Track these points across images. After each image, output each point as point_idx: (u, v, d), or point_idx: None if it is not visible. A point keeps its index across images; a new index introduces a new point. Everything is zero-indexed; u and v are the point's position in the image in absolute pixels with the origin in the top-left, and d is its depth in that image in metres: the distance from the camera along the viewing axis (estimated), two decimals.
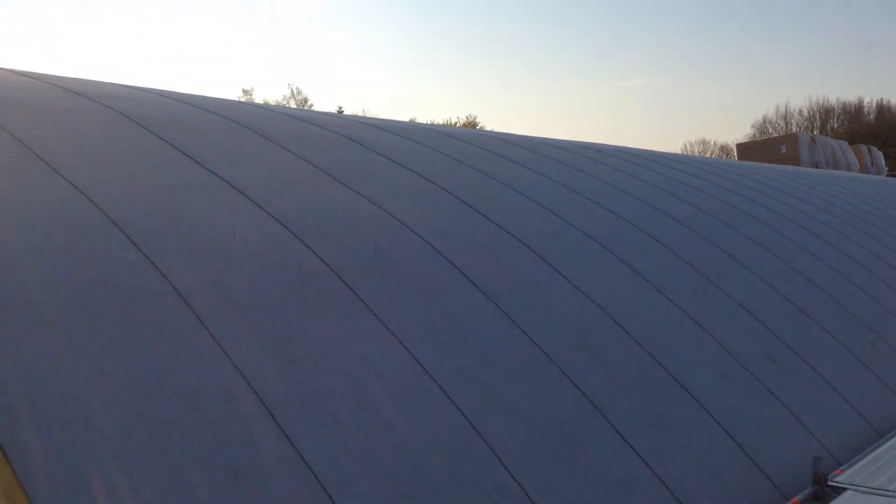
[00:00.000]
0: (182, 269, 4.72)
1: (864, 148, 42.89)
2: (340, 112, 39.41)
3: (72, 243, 4.56)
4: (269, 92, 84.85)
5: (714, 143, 75.30)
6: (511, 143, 11.10)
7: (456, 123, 60.69)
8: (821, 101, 76.01)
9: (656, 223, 8.73)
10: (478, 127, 57.13)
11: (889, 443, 6.29)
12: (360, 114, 46.12)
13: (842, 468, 5.74)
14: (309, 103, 64.29)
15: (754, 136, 71.57)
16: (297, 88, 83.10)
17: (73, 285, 4.24)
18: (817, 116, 73.84)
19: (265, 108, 11.06)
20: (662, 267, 7.61)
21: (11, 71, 7.67)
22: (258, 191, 6.12)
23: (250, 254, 5.31)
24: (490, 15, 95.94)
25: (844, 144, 41.11)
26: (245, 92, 64.44)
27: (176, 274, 4.65)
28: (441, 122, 58.74)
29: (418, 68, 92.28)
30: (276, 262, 5.34)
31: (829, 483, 5.40)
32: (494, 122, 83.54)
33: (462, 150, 9.50)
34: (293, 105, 58.49)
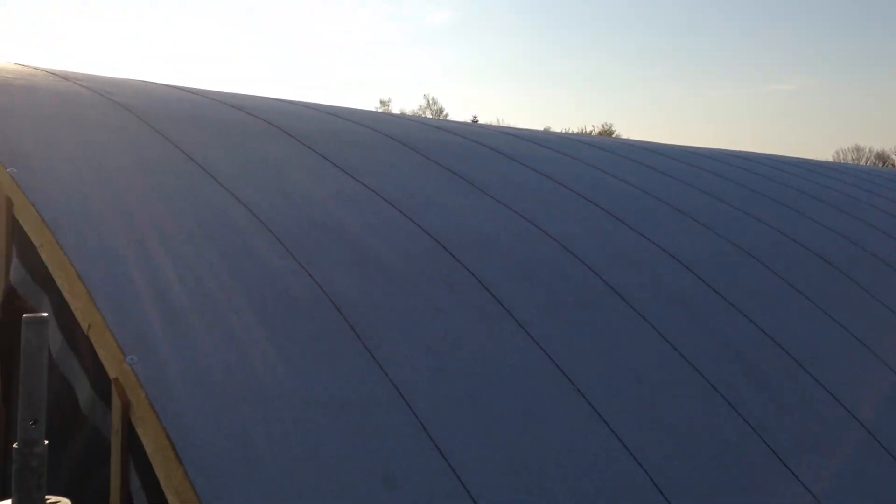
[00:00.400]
0: (335, 278, 4.81)
1: None
2: (475, 122, 39.70)
3: (233, 251, 4.73)
4: (406, 102, 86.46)
5: (869, 150, 70.80)
6: (656, 152, 10.81)
7: (591, 132, 59.94)
8: None
9: (816, 237, 8.26)
10: (614, 135, 56.21)
11: None
12: (494, 123, 46.32)
13: None
14: (444, 113, 65.15)
15: None
16: (433, 98, 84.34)
17: (234, 291, 4.39)
18: None
19: (406, 119, 11.23)
20: (824, 284, 7.18)
21: (177, 87, 8.10)
22: (405, 202, 6.19)
23: (399, 262, 5.36)
24: (624, 18, 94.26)
25: None
26: (382, 103, 66.03)
27: (328, 281, 4.74)
28: (575, 130, 58.15)
29: (549, 75, 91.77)
30: (424, 271, 5.37)
31: None
32: (632, 130, 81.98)
33: (607, 160, 9.31)
34: (429, 115, 59.42)
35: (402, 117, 9.51)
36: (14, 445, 2.46)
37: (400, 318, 4.82)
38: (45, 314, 2.39)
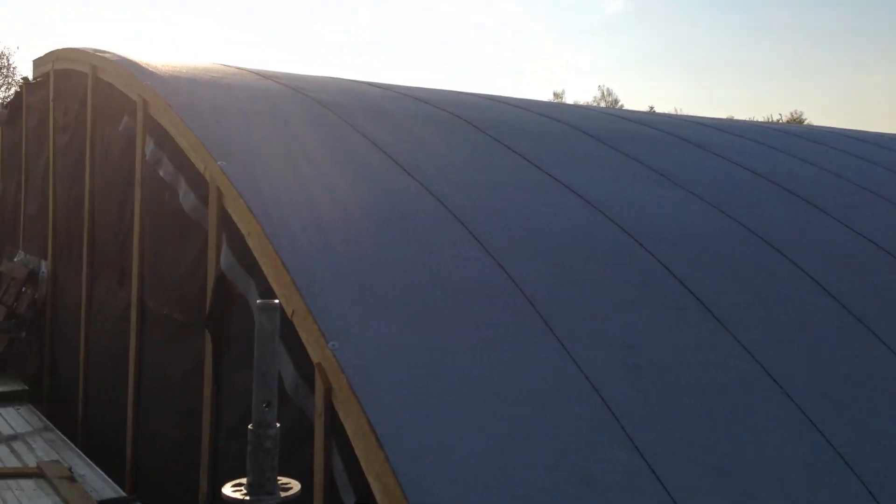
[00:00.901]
0: (525, 269, 4.76)
1: None
2: (651, 111, 38.51)
3: (424, 241, 4.78)
4: (580, 94, 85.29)
5: None
6: (857, 139, 10.03)
7: (778, 120, 56.79)
8: None
9: None
10: (804, 123, 52.98)
11: None
12: (673, 112, 44.74)
13: None
14: (619, 104, 63.81)
15: None
16: (608, 89, 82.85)
17: (429, 282, 4.43)
18: None
19: (589, 109, 11.02)
20: None
21: (362, 82, 8.32)
22: (591, 191, 6.05)
23: (589, 255, 5.24)
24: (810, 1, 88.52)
25: None
26: (556, 95, 65.57)
27: (520, 273, 4.70)
28: (761, 118, 55.27)
29: (729, 63, 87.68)
30: (615, 264, 5.22)
31: None
32: (823, 118, 76.90)
33: (805, 149, 8.73)
34: (603, 106, 58.39)
35: (583, 108, 9.33)
36: (249, 427, 2.55)
37: (593, 312, 4.71)
38: (277, 301, 2.46)
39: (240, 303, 4.75)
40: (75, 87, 7.87)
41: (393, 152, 5.83)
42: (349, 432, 3.63)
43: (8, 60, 45.36)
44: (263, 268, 4.41)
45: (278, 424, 2.63)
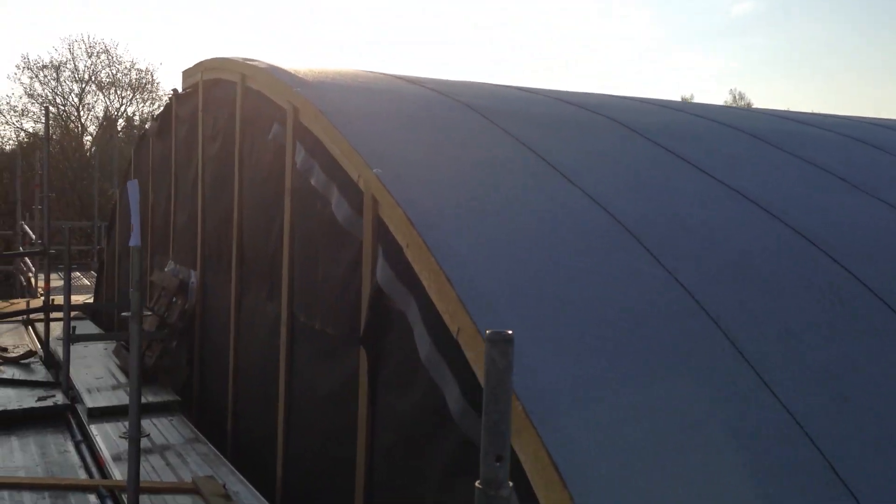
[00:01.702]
0: (706, 287, 4.28)
1: None
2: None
3: (596, 254, 4.39)
4: (709, 97, 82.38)
5: None
6: None
7: None
8: None
9: None
10: None
11: None
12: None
13: None
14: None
15: None
16: (740, 93, 79.64)
17: (603, 299, 4.03)
18: None
19: (747, 111, 10.32)
20: None
21: (519, 88, 8.00)
22: (768, 198, 5.48)
23: (777, 270, 4.71)
24: None
25: None
26: (684, 99, 63.51)
27: (701, 292, 4.23)
28: None
29: (867, 62, 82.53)
30: (807, 281, 4.66)
31: None
32: None
33: None
34: None
35: (740, 110, 8.66)
36: (476, 484, 2.16)
37: (785, 333, 4.18)
38: (510, 332, 2.11)
39: (398, 320, 4.48)
40: (224, 96, 7.91)
41: (550, 158, 5.46)
42: (525, 465, 3.28)
43: (152, 76, 47.88)
44: (424, 282, 4.12)
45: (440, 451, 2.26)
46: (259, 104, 6.90)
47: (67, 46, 46.41)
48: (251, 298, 7.05)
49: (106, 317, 14.31)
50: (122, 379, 8.90)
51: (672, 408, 3.49)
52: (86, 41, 46.59)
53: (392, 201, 4.49)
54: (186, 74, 9.43)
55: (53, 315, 10.45)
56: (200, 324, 8.54)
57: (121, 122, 43.77)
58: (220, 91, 8.12)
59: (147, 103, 50.73)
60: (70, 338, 7.93)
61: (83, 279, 23.56)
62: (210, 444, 6.73)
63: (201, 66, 8.79)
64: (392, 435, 4.51)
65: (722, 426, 3.50)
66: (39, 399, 7.67)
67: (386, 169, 4.78)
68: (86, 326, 12.77)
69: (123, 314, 8.97)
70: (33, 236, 20.53)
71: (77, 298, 17.06)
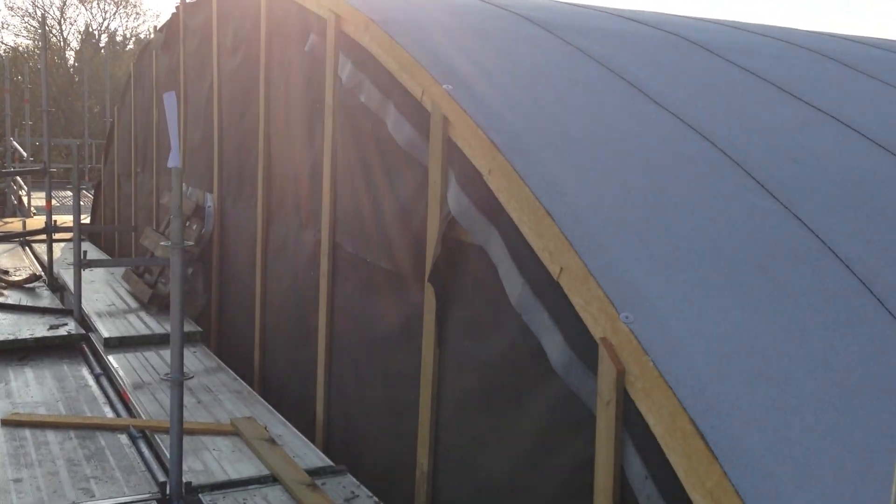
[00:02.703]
0: (833, 225, 3.82)
1: None
2: None
3: (705, 186, 3.90)
4: None
5: None
6: None
7: None
8: None
9: None
10: None
11: None
12: None
13: None
14: None
15: None
16: None
17: (723, 238, 3.56)
18: None
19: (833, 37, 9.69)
20: None
21: (566, 3, 7.37)
22: (873, 129, 4.98)
23: None
24: None
25: None
26: None
27: (826, 231, 3.76)
28: None
29: None
30: None
31: None
32: None
33: None
34: None
35: (811, 33, 8.06)
36: None
37: None
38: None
39: (475, 256, 4.01)
40: (246, 4, 7.24)
41: (629, 77, 4.91)
42: (657, 430, 2.85)
43: None
44: (513, 214, 3.63)
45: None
46: (290, 13, 6.27)
47: None
48: (280, 225, 6.54)
49: (105, 239, 13.77)
50: (134, 305, 8.44)
51: (808, 361, 3.06)
52: None
53: (469, 121, 3.96)
54: None
55: (56, 237, 9.92)
56: (220, 250, 8.04)
57: (104, 38, 42.32)
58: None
59: (131, 18, 49.11)
60: (81, 263, 7.43)
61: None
62: (241, 380, 6.31)
63: None
64: (467, 384, 4.08)
65: (871, 382, 3.08)
66: (51, 328, 7.21)
67: (458, 85, 4.24)
68: (87, 249, 12.25)
69: (157, 243, 8.40)
70: (24, 153, 19.77)
71: (67, 218, 16.48)
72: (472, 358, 4.04)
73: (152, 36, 10.47)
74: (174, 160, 4.04)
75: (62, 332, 7.12)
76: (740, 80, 5.41)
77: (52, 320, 7.46)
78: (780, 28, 7.72)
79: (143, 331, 7.31)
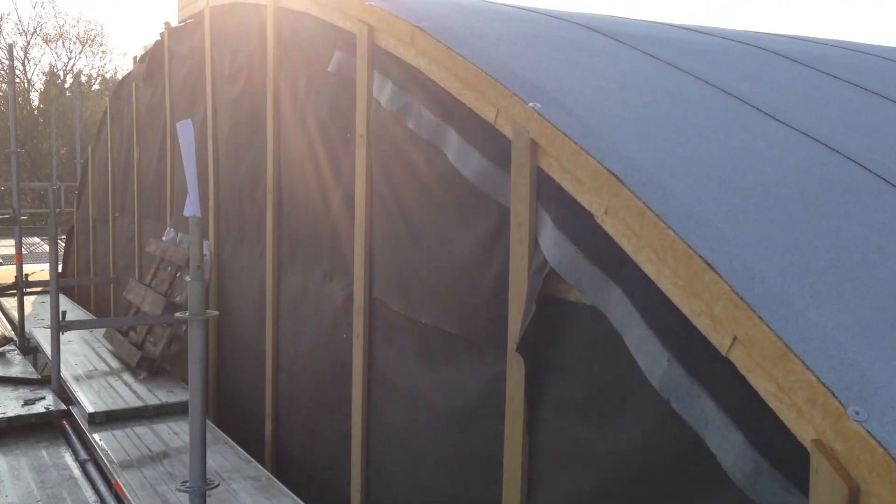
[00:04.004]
0: None
1: None
2: None
3: (886, 224, 3.06)
4: None
5: None
6: None
7: None
8: None
9: None
10: None
11: None
12: None
13: None
14: None
15: None
16: None
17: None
18: None
19: None
20: None
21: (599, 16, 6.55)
22: None
23: None
24: None
25: None
26: None
27: None
28: None
29: None
30: None
31: None
32: None
33: None
34: None
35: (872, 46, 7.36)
36: None
37: None
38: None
39: (584, 318, 3.12)
40: (246, 24, 6.36)
41: (731, 89, 4.09)
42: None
43: (101, 28, 45.15)
44: (647, 266, 2.76)
45: None
46: (306, 29, 5.40)
47: None
48: (296, 276, 5.61)
49: (79, 291, 12.70)
50: (116, 366, 7.44)
51: None
52: None
53: (572, 147, 3.10)
54: (185, 2, 7.82)
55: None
56: (217, 305, 7.08)
57: (69, 78, 41.23)
58: (237, 18, 6.56)
59: (97, 57, 48.14)
60: (59, 325, 6.43)
61: (43, 245, 21.69)
62: (256, 462, 5.33)
63: None
64: (577, 485, 3.17)
65: None
66: (26, 403, 6.18)
67: (549, 103, 3.38)
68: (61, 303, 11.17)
69: (145, 297, 7.36)
70: None
71: (37, 268, 15.36)
72: (584, 451, 3.14)
73: (131, 68, 9.55)
74: (192, 207, 3.13)
75: (39, 408, 6.10)
76: (843, 91, 4.62)
77: (27, 393, 6.44)
78: (819, 39, 6.99)
79: (134, 402, 6.31)
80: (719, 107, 3.82)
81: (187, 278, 7.35)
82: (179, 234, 7.87)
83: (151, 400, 6.36)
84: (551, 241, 3.21)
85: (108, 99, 11.55)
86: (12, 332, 9.03)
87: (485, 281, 3.66)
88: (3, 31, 39.35)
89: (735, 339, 2.47)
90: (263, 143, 6.00)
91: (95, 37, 41.29)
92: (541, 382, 3.35)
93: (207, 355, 7.25)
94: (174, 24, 8.19)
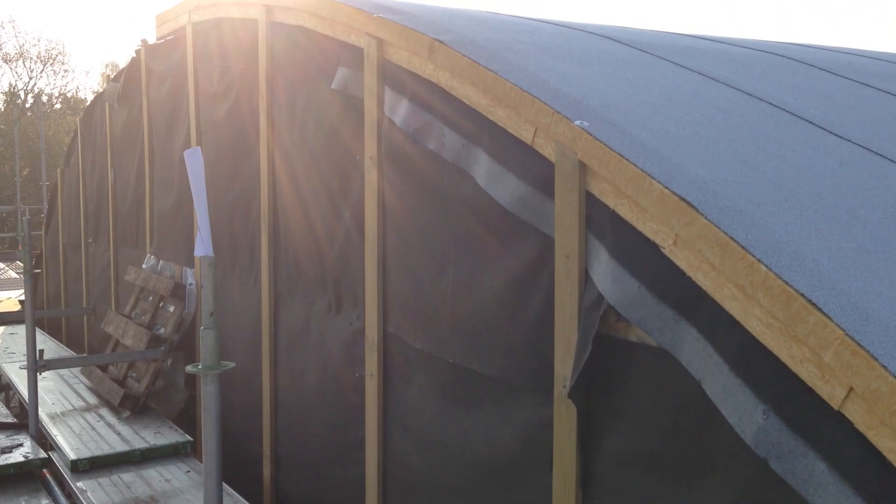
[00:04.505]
0: None
1: None
2: None
3: None
4: None
5: None
6: None
7: None
8: None
9: None
10: None
11: None
12: None
13: None
14: None
15: None
16: None
17: None
18: None
19: None
20: None
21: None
22: None
23: None
24: None
25: None
26: None
27: None
28: None
29: None
30: None
31: None
32: None
33: None
34: None
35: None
36: None
37: None
38: None
39: (649, 360, 2.79)
40: (235, 40, 5.98)
41: (777, 101, 3.80)
42: None
43: (63, 47, 44.40)
44: (731, 304, 2.44)
45: None
46: (302, 44, 5.03)
47: None
48: (296, 307, 5.22)
49: (49, 321, 12.14)
50: (94, 402, 6.98)
51: None
52: None
53: (631, 169, 2.77)
54: (164, 19, 7.41)
55: None
56: None
57: (30, 98, 40.33)
58: (224, 34, 6.17)
59: (59, 76, 47.32)
60: (37, 364, 5.97)
61: (8, 271, 20.97)
62: None
63: (188, 6, 6.81)
64: None
65: None
66: (2, 451, 5.71)
67: (598, 120, 3.05)
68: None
69: (126, 330, 6.85)
70: None
71: (5, 295, 14.74)
72: (625, 498, 2.80)
73: (94, 87, 9.08)
74: (204, 246, 2.74)
75: (17, 456, 5.62)
76: (876, 99, 4.36)
77: (2, 439, 5.95)
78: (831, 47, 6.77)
79: (119, 445, 5.86)
80: (772, 121, 3.52)
81: (171, 308, 6.94)
82: (161, 263, 7.44)
83: (138, 443, 5.91)
84: (608, 274, 2.87)
85: (78, 120, 11.06)
86: None
87: (523, 317, 3.32)
88: None
89: (851, 390, 2.15)
90: (256, 164, 5.61)
91: (57, 55, 40.31)
92: (597, 432, 3.01)
93: (193, 379, 6.85)
94: (151, 41, 7.77)
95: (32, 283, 6.15)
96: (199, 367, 2.94)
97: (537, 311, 3.24)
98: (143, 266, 7.74)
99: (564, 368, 3.09)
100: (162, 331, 6.83)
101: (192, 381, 6.90)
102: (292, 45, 5.15)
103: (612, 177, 2.85)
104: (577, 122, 3.01)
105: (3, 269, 20.51)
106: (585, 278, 3.02)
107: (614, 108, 3.19)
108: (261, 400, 5.61)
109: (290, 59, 5.21)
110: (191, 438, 6.04)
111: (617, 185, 2.84)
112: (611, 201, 2.90)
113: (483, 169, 3.47)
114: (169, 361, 6.79)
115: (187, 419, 6.87)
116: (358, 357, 4.51)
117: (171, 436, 6.03)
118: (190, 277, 6.83)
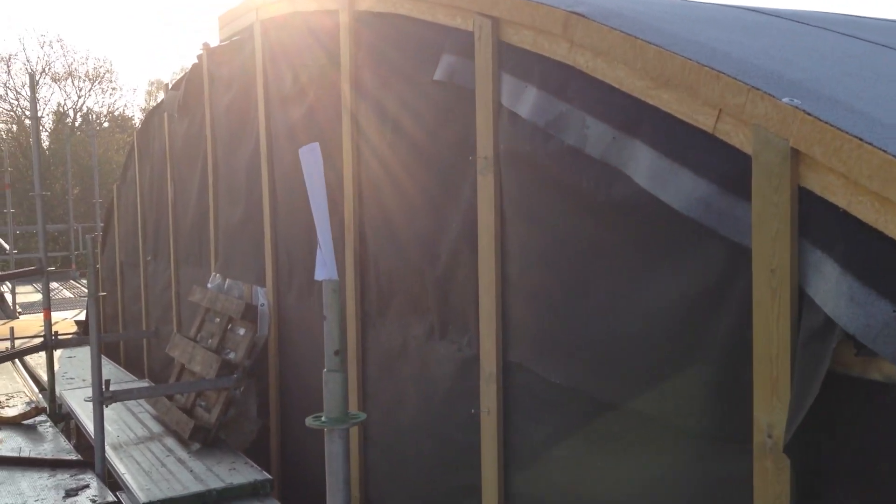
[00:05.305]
0: None
1: None
2: None
3: None
4: None
5: None
6: None
7: None
8: None
9: None
10: None
11: None
12: None
13: None
14: None
15: None
16: None
17: None
18: None
19: None
20: None
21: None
22: None
23: None
24: None
25: None
26: None
27: None
28: None
29: None
30: None
31: None
32: None
33: None
34: None
35: None
36: None
37: None
38: None
39: (891, 399, 2.13)
40: (310, 35, 5.43)
41: None
42: None
43: (110, 65, 44.78)
44: None
45: None
46: (393, 33, 4.46)
47: (17, 38, 43.24)
48: (389, 332, 4.63)
49: (107, 342, 11.74)
50: (157, 430, 6.47)
51: None
52: (35, 31, 43.45)
53: (878, 156, 2.12)
54: (227, 19, 6.92)
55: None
56: (279, 363, 6.12)
57: (79, 117, 40.65)
58: (298, 30, 5.63)
59: (107, 94, 47.83)
60: (102, 396, 5.46)
61: (63, 290, 20.81)
62: None
63: (255, 1, 6.29)
64: None
65: None
66: (68, 495, 5.19)
67: (808, 96, 2.41)
68: (84, 355, 10.18)
69: (193, 355, 6.35)
70: (6, 246, 17.76)
71: (60, 316, 14.42)
72: None
73: (141, 104, 8.64)
74: (327, 269, 2.15)
75: (84, 500, 5.09)
76: None
77: (67, 479, 5.44)
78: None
79: (193, 485, 5.31)
80: None
81: (241, 331, 6.40)
82: (228, 281, 6.92)
83: (212, 481, 5.36)
84: (843, 295, 2.21)
85: (135, 133, 10.67)
86: (40, 397, 8.07)
87: (703, 348, 2.67)
88: (12, 72, 38.81)
89: None
90: (338, 171, 5.04)
91: (105, 73, 40.57)
92: (826, 496, 2.34)
93: (266, 409, 6.31)
94: (211, 45, 7.29)
95: (97, 307, 5.65)
96: (323, 418, 2.35)
97: (722, 339, 2.59)
98: (209, 285, 7.24)
99: (769, 414, 2.44)
100: (232, 356, 6.30)
101: (264, 409, 6.36)
102: (381, 36, 4.58)
103: (845, 168, 2.20)
104: (784, 100, 2.36)
105: (57, 288, 20.33)
106: (800, 299, 2.37)
107: (824, 82, 2.54)
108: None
109: (378, 51, 4.63)
110: (269, 476, 5.46)
111: (853, 177, 2.18)
112: (841, 199, 2.24)
113: (643, 165, 2.84)
114: (240, 389, 6.25)
115: (257, 450, 6.33)
116: (468, 390, 3.90)
117: (248, 473, 5.47)
118: (261, 297, 6.29)
